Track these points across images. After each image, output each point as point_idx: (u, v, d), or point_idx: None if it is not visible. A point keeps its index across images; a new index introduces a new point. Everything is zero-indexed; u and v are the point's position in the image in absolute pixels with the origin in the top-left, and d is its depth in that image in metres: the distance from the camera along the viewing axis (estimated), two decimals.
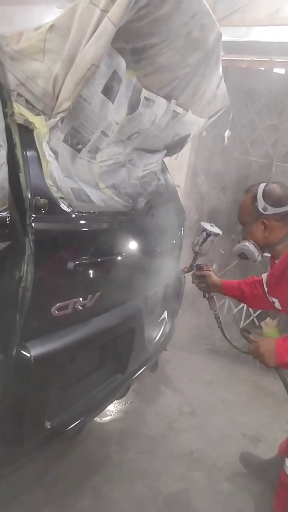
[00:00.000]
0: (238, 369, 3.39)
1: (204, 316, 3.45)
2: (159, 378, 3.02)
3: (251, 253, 1.66)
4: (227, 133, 3.48)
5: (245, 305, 3.50)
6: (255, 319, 3.59)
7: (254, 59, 3.55)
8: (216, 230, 1.84)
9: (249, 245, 1.66)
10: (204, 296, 1.99)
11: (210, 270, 1.98)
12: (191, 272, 1.97)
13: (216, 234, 1.84)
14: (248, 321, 3.62)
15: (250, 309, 3.58)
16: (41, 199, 1.26)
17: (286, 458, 1.71)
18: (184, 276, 2.50)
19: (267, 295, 1.84)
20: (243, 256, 1.70)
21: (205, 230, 1.84)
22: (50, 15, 1.31)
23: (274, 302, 1.81)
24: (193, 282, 1.98)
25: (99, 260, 1.53)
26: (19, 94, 1.26)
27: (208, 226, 1.85)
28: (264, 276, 1.89)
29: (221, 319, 1.93)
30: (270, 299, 1.83)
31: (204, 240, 1.83)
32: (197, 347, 3.62)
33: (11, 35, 1.27)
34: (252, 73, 3.49)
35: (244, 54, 3.53)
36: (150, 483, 2.05)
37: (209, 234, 1.83)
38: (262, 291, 1.87)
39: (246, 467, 2.22)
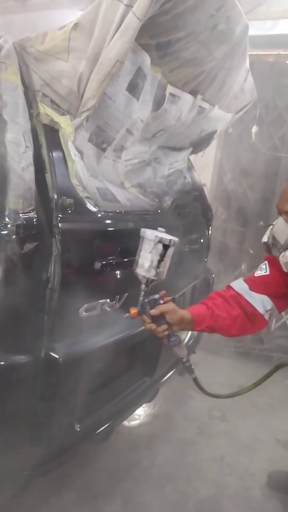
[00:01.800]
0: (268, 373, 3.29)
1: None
2: (188, 382, 2.94)
3: None
4: (254, 129, 3.40)
5: None
6: (287, 320, 3.47)
7: (281, 52, 3.46)
8: (173, 237, 1.27)
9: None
10: (167, 344, 1.34)
11: (168, 301, 1.31)
12: (142, 316, 1.30)
13: (175, 242, 1.27)
14: (279, 323, 3.50)
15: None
16: (67, 199, 1.25)
17: None
18: (213, 277, 2.44)
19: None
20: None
21: (160, 241, 1.23)
22: (73, 17, 1.30)
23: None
24: (149, 329, 1.30)
25: (125, 260, 1.50)
26: (44, 95, 1.26)
27: (160, 233, 1.26)
28: (237, 285, 1.50)
29: (193, 367, 1.44)
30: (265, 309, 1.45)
31: (162, 256, 1.24)
32: (226, 350, 3.53)
33: (35, 36, 1.28)
34: (279, 67, 3.39)
35: (271, 48, 3.44)
36: (180, 488, 2.00)
37: (167, 246, 1.25)
38: (242, 309, 1.45)
39: (278, 487, 2.06)
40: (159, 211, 1.82)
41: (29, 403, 1.28)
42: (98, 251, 1.39)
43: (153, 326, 1.29)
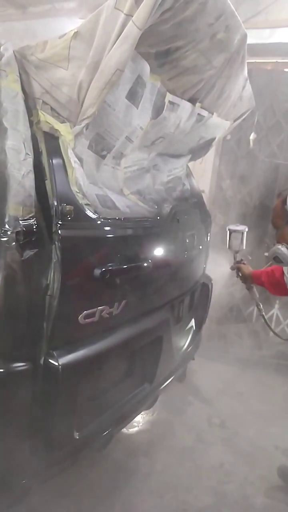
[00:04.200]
0: (269, 379, 3.27)
1: (233, 324, 3.37)
2: (187, 388, 2.95)
3: (285, 256, 1.69)
4: (252, 136, 3.42)
5: (275, 313, 3.41)
6: (285, 327, 3.47)
7: (278, 61, 3.49)
8: (239, 227, 2.11)
9: (282, 248, 1.69)
10: (246, 288, 2.19)
11: (244, 264, 2.19)
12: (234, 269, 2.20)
13: (236, 231, 2.09)
14: (278, 329, 3.50)
15: (280, 316, 3.46)
16: (67, 206, 1.25)
17: None
18: (212, 282, 2.44)
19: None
20: (277, 260, 1.72)
21: (229, 229, 2.13)
22: (73, 26, 1.31)
23: None
24: (236, 277, 2.21)
25: (125, 267, 1.51)
26: (44, 102, 1.27)
27: (232, 226, 2.13)
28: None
29: (262, 307, 2.13)
30: None
31: (229, 238, 2.11)
32: (225, 356, 3.52)
33: (35, 44, 1.29)
34: (277, 75, 3.42)
35: (269, 56, 3.47)
36: (180, 496, 1.98)
37: (230, 232, 2.10)
38: (281, 279, 1.97)
39: (285, 481, 2.12)
40: (158, 217, 1.82)
41: (28, 410, 1.27)
42: (98, 258, 1.39)
43: (236, 275, 2.22)
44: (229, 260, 2.26)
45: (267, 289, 2.16)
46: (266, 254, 1.91)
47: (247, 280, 2.15)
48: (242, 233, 2.10)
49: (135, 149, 1.71)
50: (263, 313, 2.14)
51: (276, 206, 1.77)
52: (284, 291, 1.99)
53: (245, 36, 1.66)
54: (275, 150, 3.49)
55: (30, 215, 1.18)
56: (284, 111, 3.42)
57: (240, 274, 2.18)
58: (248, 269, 2.16)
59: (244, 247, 2.15)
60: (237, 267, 2.18)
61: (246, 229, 2.11)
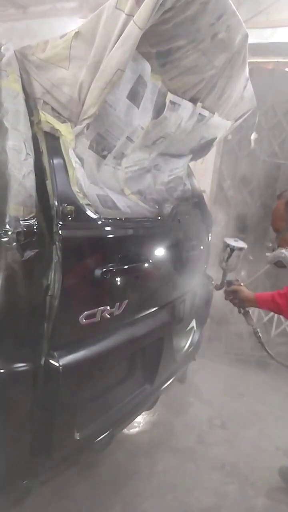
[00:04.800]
0: (270, 380, 3.27)
1: (234, 325, 3.36)
2: (188, 389, 2.94)
3: None
4: (253, 136, 3.41)
5: (276, 314, 3.40)
6: (287, 327, 3.47)
7: (280, 60, 3.48)
8: (240, 244, 1.84)
9: (286, 253, 1.62)
10: (240, 312, 1.95)
11: (240, 285, 1.92)
12: (223, 289, 1.95)
13: (240, 249, 1.83)
14: (279, 329, 3.50)
15: (281, 317, 3.45)
16: (68, 206, 1.25)
17: None
18: (212, 283, 2.43)
19: None
20: (279, 264, 1.66)
21: (228, 245, 1.84)
22: (73, 25, 1.31)
23: None
24: (226, 299, 1.96)
25: (126, 267, 1.50)
26: (45, 102, 1.27)
27: (231, 241, 1.85)
28: None
29: (260, 334, 1.91)
30: None
31: (229, 256, 1.84)
32: (226, 357, 3.52)
33: (36, 44, 1.29)
34: (278, 75, 3.42)
35: (270, 55, 3.47)
36: (181, 497, 1.98)
37: (233, 249, 1.83)
38: None
39: (286, 482, 2.11)
40: (159, 218, 1.82)
41: (28, 411, 1.27)
42: (99, 258, 1.39)
43: (228, 298, 1.92)
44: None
45: (281, 313, 1.89)
46: (268, 254, 1.79)
47: (245, 303, 1.90)
48: (242, 250, 1.87)
49: (136, 149, 1.71)
50: (262, 340, 1.93)
51: (278, 208, 1.69)
52: None
53: (246, 36, 1.66)
54: (276, 150, 3.49)
55: (31, 215, 1.18)
56: (285, 111, 3.42)
57: (232, 297, 1.91)
58: (247, 291, 1.90)
59: (233, 267, 1.92)
60: (232, 290, 1.90)
61: (246, 246, 1.90)
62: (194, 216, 2.26)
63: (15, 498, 1.38)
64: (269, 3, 3.27)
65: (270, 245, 1.74)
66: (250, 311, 1.94)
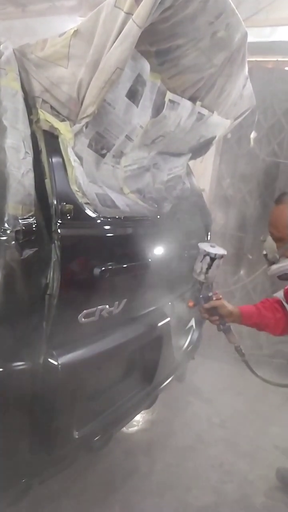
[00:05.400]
0: (269, 378, 3.26)
1: (233, 324, 3.36)
2: (187, 388, 2.94)
3: None
4: (253, 135, 3.41)
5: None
6: None
7: (279, 59, 3.48)
8: (220, 251, 1.56)
9: None
10: (219, 330, 1.66)
11: (220, 298, 1.63)
12: (199, 307, 1.64)
13: (222, 256, 1.55)
14: None
15: None
16: (67, 205, 1.25)
17: None
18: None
19: None
20: (284, 277, 1.53)
21: (208, 254, 1.54)
22: (72, 24, 1.30)
23: None
24: (203, 318, 1.66)
25: (125, 266, 1.50)
26: (44, 101, 1.26)
27: (209, 248, 1.56)
28: (279, 295, 1.68)
29: (243, 351, 1.68)
30: None
31: (209, 266, 1.54)
32: (225, 356, 3.51)
33: (35, 43, 1.28)
34: (278, 74, 3.41)
35: (269, 54, 3.46)
36: (180, 496, 1.98)
37: (213, 258, 1.53)
38: (284, 312, 1.64)
39: (283, 483, 2.11)
40: (158, 216, 1.81)
41: (27, 409, 1.27)
42: (97, 257, 1.39)
43: (206, 315, 1.63)
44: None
45: (265, 328, 1.68)
46: (273, 267, 1.57)
47: (227, 320, 1.62)
48: (222, 258, 1.57)
49: (135, 147, 1.70)
50: (246, 359, 1.70)
51: (280, 214, 1.50)
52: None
53: (245, 35, 1.65)
54: (275, 149, 3.48)
55: (30, 214, 1.17)
56: (285, 110, 3.41)
57: (211, 314, 1.61)
58: (229, 305, 1.62)
59: (213, 279, 1.61)
60: (212, 306, 1.60)
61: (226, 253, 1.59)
62: (193, 215, 2.26)
63: (14, 497, 1.38)
64: (268, 2, 3.27)
65: (264, 252, 1.59)
66: (231, 327, 1.66)
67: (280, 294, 1.68)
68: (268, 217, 1.63)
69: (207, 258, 1.54)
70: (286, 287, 1.66)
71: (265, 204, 3.50)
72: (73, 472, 1.96)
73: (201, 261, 1.55)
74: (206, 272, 1.55)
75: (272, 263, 1.58)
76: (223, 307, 1.60)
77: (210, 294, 1.62)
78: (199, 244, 1.61)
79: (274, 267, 1.56)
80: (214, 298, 1.61)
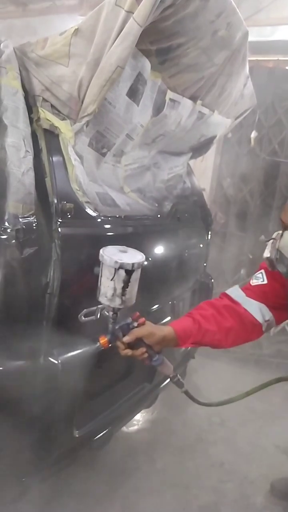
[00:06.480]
0: (269, 378, 3.26)
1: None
2: (187, 387, 2.94)
3: None
4: (253, 134, 3.41)
5: None
6: (286, 326, 3.46)
7: (280, 58, 3.48)
8: (137, 256, 1.16)
9: None
10: (149, 364, 1.27)
11: (143, 322, 1.24)
12: (116, 343, 1.23)
13: (140, 264, 1.16)
14: (278, 328, 3.49)
15: None
16: (67, 204, 1.25)
17: None
18: (212, 281, 2.43)
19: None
20: None
21: (122, 266, 1.10)
22: (73, 23, 1.30)
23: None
24: (126, 355, 1.24)
25: None
26: (44, 99, 1.26)
27: (121, 256, 1.13)
28: (234, 290, 1.45)
29: (182, 380, 1.39)
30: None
31: (126, 284, 1.11)
32: (225, 356, 3.52)
33: (36, 41, 1.28)
34: (279, 73, 3.41)
35: (270, 54, 3.46)
36: (180, 495, 1.98)
37: (131, 270, 1.11)
38: (239, 318, 1.38)
39: (281, 497, 2.02)
40: (159, 216, 1.82)
41: (27, 408, 1.27)
42: (98, 256, 1.39)
43: (129, 352, 1.22)
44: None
45: (214, 347, 1.37)
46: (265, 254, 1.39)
47: (159, 348, 1.26)
48: (131, 272, 1.15)
49: (135, 146, 1.70)
50: (186, 389, 1.41)
51: None
52: (254, 332, 1.39)
53: (246, 34, 1.65)
54: (276, 148, 3.48)
55: (30, 213, 1.17)
56: (286, 109, 3.42)
57: (136, 349, 1.22)
58: (157, 328, 1.25)
59: (133, 301, 1.22)
60: (136, 338, 1.22)
61: (141, 263, 1.18)
62: (193, 214, 2.26)
63: (14, 496, 1.38)
64: (269, 1, 3.27)
65: (263, 237, 1.42)
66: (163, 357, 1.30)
67: (236, 291, 1.44)
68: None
69: (121, 273, 1.09)
70: (248, 283, 1.48)
71: (265, 204, 3.51)
72: (73, 471, 1.97)
73: (111, 279, 1.10)
74: (123, 293, 1.12)
75: None
76: (151, 334, 1.22)
77: (129, 320, 1.20)
78: (102, 250, 1.15)
79: None
80: (135, 325, 1.21)
